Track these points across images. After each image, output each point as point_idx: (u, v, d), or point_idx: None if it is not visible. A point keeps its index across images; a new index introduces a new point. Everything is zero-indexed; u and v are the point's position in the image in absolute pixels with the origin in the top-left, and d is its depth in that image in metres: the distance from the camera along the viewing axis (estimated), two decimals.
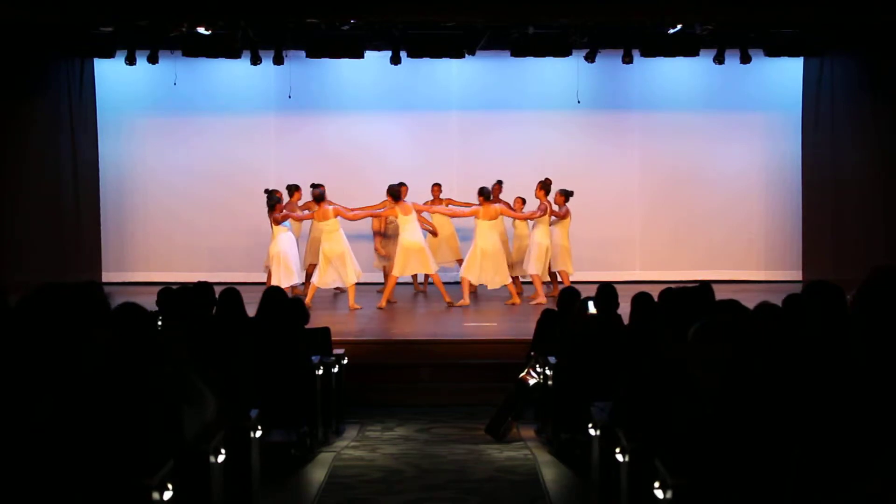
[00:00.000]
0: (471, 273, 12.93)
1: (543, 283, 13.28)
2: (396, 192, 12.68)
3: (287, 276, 12.57)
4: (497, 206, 13.08)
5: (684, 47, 13.68)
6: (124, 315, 4.53)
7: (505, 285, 13.01)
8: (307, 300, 12.12)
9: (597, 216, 15.07)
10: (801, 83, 15.38)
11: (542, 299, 12.84)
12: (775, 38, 13.97)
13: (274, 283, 11.85)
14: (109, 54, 14.34)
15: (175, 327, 5.30)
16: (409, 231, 12.67)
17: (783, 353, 4.16)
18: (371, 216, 13.51)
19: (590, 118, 15.63)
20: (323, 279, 12.65)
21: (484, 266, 12.87)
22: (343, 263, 12.50)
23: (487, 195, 12.93)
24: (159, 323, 4.52)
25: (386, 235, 13.80)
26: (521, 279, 13.77)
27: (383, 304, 12.75)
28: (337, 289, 13.46)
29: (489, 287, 13.06)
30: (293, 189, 13.69)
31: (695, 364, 4.22)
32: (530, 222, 13.32)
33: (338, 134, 15.69)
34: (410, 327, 11.73)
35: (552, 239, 13.08)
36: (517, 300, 12.96)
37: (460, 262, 13.69)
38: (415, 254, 12.65)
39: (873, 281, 4.29)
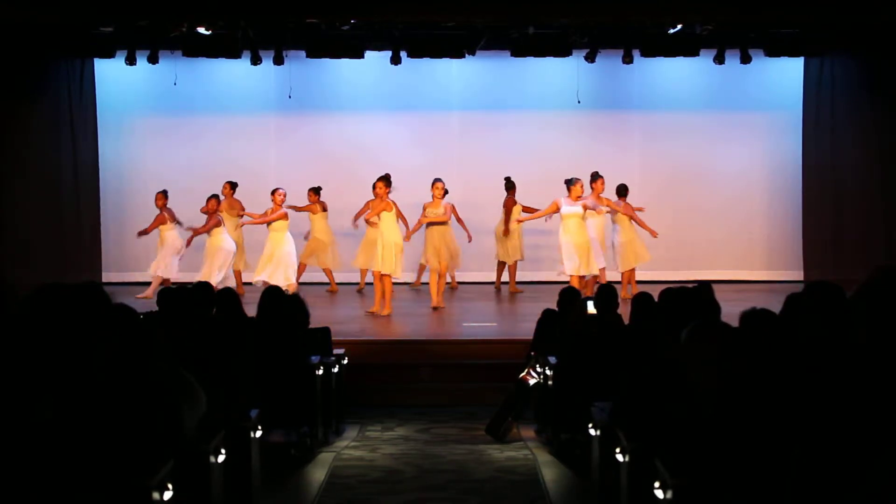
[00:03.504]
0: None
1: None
2: (389, 180, 12.17)
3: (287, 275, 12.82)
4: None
5: (684, 47, 13.69)
6: (119, 317, 4.53)
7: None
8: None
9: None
10: (802, 83, 15.38)
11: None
12: (775, 38, 13.98)
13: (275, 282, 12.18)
14: (109, 54, 14.35)
15: (153, 319, 5.27)
16: (393, 229, 12.16)
17: (782, 353, 4.16)
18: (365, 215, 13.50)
19: (590, 118, 15.63)
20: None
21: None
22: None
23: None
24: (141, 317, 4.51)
25: None
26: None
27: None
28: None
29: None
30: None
31: (694, 364, 4.23)
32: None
33: (338, 134, 15.69)
34: (410, 327, 11.72)
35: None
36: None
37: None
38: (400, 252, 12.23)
39: (874, 281, 4.28)
